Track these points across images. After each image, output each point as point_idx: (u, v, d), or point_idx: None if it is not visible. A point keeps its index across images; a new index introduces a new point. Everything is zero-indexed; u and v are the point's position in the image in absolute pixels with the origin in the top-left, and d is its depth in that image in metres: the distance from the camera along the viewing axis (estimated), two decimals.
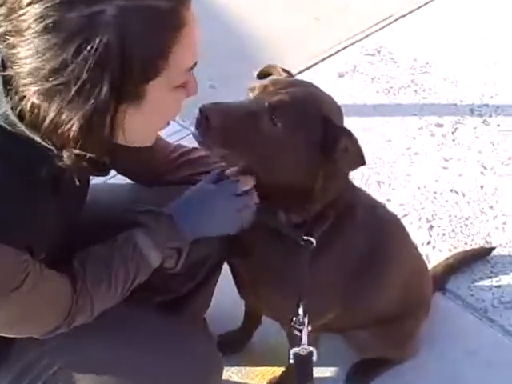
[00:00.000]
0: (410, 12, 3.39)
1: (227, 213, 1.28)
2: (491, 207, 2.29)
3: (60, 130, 0.95)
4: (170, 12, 0.95)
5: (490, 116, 2.69)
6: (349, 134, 1.25)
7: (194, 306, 1.64)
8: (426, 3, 3.45)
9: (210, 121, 1.15)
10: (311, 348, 1.36)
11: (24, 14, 0.88)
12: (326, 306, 1.48)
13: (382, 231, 1.48)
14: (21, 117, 0.97)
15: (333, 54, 3.10)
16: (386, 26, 3.30)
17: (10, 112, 0.98)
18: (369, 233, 1.44)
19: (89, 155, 1.00)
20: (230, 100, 2.96)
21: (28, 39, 0.88)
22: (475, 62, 3.00)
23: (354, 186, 1.44)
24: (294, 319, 1.34)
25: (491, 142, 2.56)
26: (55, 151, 0.99)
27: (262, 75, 1.40)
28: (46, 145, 0.99)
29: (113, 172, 1.32)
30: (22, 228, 1.03)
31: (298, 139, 1.22)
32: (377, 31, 3.26)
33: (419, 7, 3.42)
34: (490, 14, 3.35)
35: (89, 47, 0.88)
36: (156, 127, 1.14)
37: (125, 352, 1.29)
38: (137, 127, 1.05)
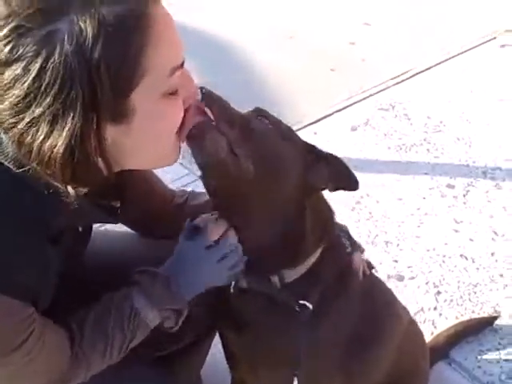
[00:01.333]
0: (427, 69, 3.39)
1: (209, 266, 1.23)
2: (501, 275, 2.22)
3: (48, 163, 0.90)
4: (130, 16, 0.88)
5: (504, 180, 2.64)
6: (330, 159, 1.23)
7: (188, 363, 1.59)
8: (443, 61, 3.45)
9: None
10: None
11: None
12: (329, 374, 1.41)
13: (375, 295, 1.42)
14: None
15: (346, 107, 3.08)
16: (401, 81, 3.29)
17: (17, 152, 0.93)
18: (364, 295, 1.37)
19: (98, 197, 0.97)
20: None
21: None
22: (490, 124, 2.97)
23: (339, 236, 1.37)
24: None
25: (503, 207, 2.50)
26: (61, 187, 0.95)
27: None
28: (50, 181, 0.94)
29: None
30: (27, 278, 0.99)
31: (286, 143, 1.20)
32: (392, 86, 3.25)
33: (436, 64, 3.42)
34: (506, 75, 3.33)
35: (50, 69, 0.84)
36: (159, 143, 1.05)
37: None
38: (136, 147, 0.99)
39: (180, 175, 2.51)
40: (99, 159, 0.93)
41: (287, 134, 1.23)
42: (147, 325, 1.19)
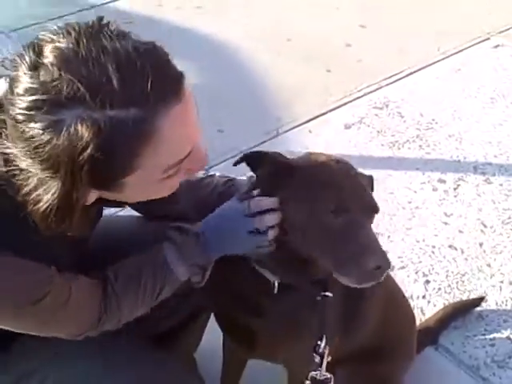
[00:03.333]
0: (421, 68, 3.47)
1: (239, 233, 1.28)
2: (489, 265, 2.29)
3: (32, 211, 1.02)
4: (134, 124, 0.96)
5: (494, 175, 2.72)
6: None
7: (184, 342, 1.66)
8: (438, 61, 3.54)
9: None
10: (329, 375, 1.36)
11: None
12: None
13: None
14: None
15: (341, 106, 3.16)
16: (396, 80, 3.37)
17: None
18: None
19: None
20: (236, 144, 3.02)
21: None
22: (481, 121, 3.05)
23: None
24: (315, 348, 1.35)
25: (492, 201, 2.58)
26: None
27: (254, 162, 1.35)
28: None
29: None
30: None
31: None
32: (386, 85, 3.33)
33: (430, 64, 3.50)
34: (498, 75, 3.41)
35: (46, 150, 0.94)
36: (153, 195, 1.17)
37: (120, 374, 1.30)
38: (127, 198, 1.14)
39: None
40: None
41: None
42: (176, 278, 1.28)
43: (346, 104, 3.17)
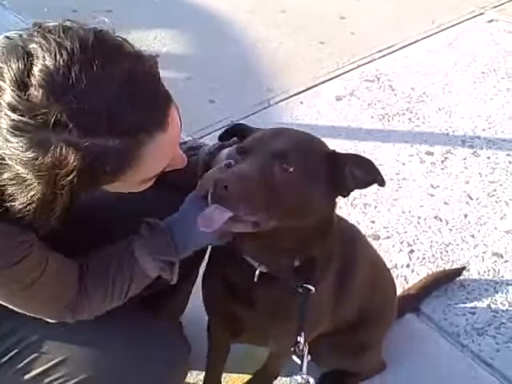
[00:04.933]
0: (414, 42, 3.49)
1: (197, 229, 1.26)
2: (473, 236, 2.33)
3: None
4: (118, 153, 0.99)
5: (481, 148, 2.75)
6: (353, 160, 1.27)
7: (172, 304, 1.69)
8: (431, 35, 3.55)
9: (228, 190, 1.12)
10: (310, 378, 1.37)
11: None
12: (321, 324, 1.53)
13: (351, 247, 1.53)
14: None
15: (333, 78, 3.18)
16: (388, 54, 3.39)
17: None
18: (344, 252, 1.47)
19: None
20: (227, 114, 3.03)
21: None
22: (471, 95, 3.07)
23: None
24: (295, 347, 1.36)
25: (479, 173, 2.61)
26: None
27: (228, 135, 1.39)
28: None
29: None
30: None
31: (310, 179, 1.23)
32: (379, 58, 3.34)
33: (423, 38, 3.51)
34: (491, 49, 3.42)
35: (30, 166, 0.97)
36: (135, 188, 1.18)
37: (101, 348, 1.33)
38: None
39: None
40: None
41: (309, 165, 1.23)
42: (145, 273, 1.29)
43: (337, 76, 3.19)
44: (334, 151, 1.28)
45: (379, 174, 1.25)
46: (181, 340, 1.56)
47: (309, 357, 1.39)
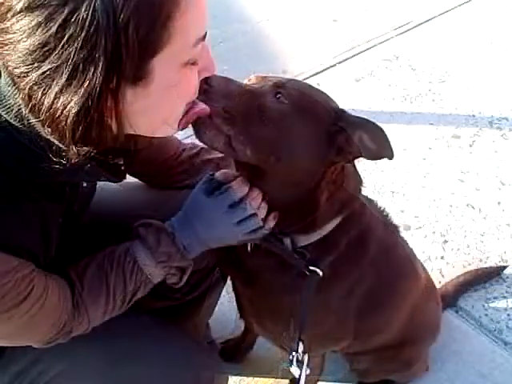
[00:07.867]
0: (432, 18, 3.34)
1: (227, 226, 1.17)
2: (508, 224, 2.20)
3: (57, 121, 0.84)
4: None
5: (510, 130, 2.61)
6: (366, 127, 1.09)
7: (197, 315, 1.57)
8: (449, 10, 3.40)
9: (213, 86, 1.04)
10: None
11: None
12: (339, 335, 1.40)
13: (390, 264, 1.37)
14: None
15: (349, 58, 3.03)
16: (405, 31, 3.23)
17: (22, 107, 0.88)
18: (378, 265, 1.32)
19: (101, 157, 0.92)
20: None
21: (14, 22, 0.80)
22: (496, 74, 2.92)
23: (364, 205, 1.29)
24: (294, 355, 1.25)
25: (510, 157, 2.48)
26: (63, 147, 0.90)
27: None
28: (54, 140, 0.90)
29: None
30: (24, 237, 0.97)
31: (303, 121, 1.08)
32: (396, 36, 3.19)
33: (441, 14, 3.36)
34: None
35: (76, 21, 0.78)
36: (168, 112, 1.00)
37: (122, 363, 1.20)
38: (146, 112, 0.94)
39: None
40: (113, 120, 0.89)
41: (306, 107, 1.10)
42: (150, 280, 1.16)
43: (354, 56, 3.03)
44: (343, 110, 1.11)
45: (391, 148, 1.08)
46: (204, 355, 1.43)
47: (308, 370, 1.27)
